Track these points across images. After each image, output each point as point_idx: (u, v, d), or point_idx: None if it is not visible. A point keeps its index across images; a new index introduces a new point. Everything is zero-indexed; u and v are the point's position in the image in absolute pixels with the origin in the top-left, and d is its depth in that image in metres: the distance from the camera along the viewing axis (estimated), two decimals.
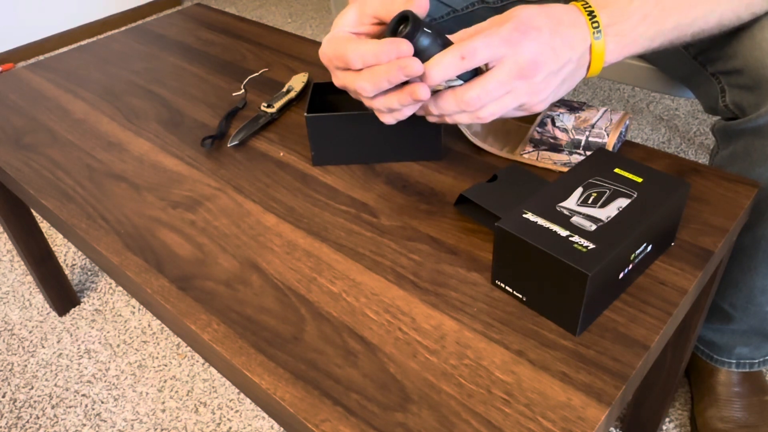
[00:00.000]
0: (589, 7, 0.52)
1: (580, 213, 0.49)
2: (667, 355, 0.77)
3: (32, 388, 1.04)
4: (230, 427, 0.95)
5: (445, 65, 0.49)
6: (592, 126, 0.63)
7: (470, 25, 0.90)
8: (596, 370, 0.45)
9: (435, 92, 0.52)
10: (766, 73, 0.60)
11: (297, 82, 0.84)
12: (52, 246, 1.30)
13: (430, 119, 0.55)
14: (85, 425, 0.97)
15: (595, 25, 0.51)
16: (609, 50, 0.53)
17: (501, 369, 0.46)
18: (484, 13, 0.87)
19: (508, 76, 0.49)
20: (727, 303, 0.74)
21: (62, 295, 1.16)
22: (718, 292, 0.74)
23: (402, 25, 0.50)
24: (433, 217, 0.61)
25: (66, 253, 1.33)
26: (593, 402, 0.43)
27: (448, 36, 0.52)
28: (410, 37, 0.48)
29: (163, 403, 1.00)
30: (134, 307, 1.18)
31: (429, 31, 0.49)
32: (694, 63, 0.73)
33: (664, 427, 0.90)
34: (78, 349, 1.10)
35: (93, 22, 2.49)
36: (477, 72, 0.51)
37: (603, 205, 0.50)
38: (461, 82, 0.50)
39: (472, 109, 0.50)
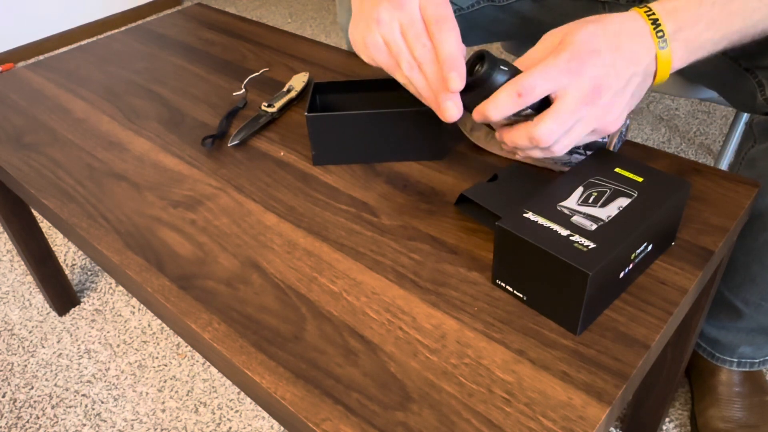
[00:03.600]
0: (653, 14, 0.50)
1: (580, 212, 0.49)
2: (668, 354, 0.77)
3: (32, 388, 1.04)
4: (230, 427, 0.95)
5: (501, 104, 0.48)
6: None
7: (476, 23, 0.89)
8: (597, 370, 0.45)
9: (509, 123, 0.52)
10: None
11: (297, 81, 0.84)
12: (52, 246, 1.30)
13: (506, 149, 0.54)
14: (85, 425, 0.97)
15: (660, 34, 0.49)
16: (677, 57, 0.51)
17: (501, 368, 0.46)
18: (490, 11, 0.86)
19: (574, 106, 0.48)
20: (740, 299, 0.74)
21: (62, 295, 1.16)
22: (732, 287, 0.74)
23: (478, 64, 0.50)
24: (434, 217, 0.61)
25: (66, 253, 1.33)
26: (594, 401, 0.43)
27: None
28: (487, 76, 0.49)
29: (163, 403, 1.00)
30: (134, 307, 1.18)
31: (505, 68, 0.49)
32: (724, 59, 0.70)
33: (664, 427, 0.90)
34: (78, 349, 1.10)
35: (93, 22, 2.49)
36: (547, 99, 0.49)
37: (603, 205, 0.50)
38: (530, 110, 0.50)
39: (545, 145, 0.50)
